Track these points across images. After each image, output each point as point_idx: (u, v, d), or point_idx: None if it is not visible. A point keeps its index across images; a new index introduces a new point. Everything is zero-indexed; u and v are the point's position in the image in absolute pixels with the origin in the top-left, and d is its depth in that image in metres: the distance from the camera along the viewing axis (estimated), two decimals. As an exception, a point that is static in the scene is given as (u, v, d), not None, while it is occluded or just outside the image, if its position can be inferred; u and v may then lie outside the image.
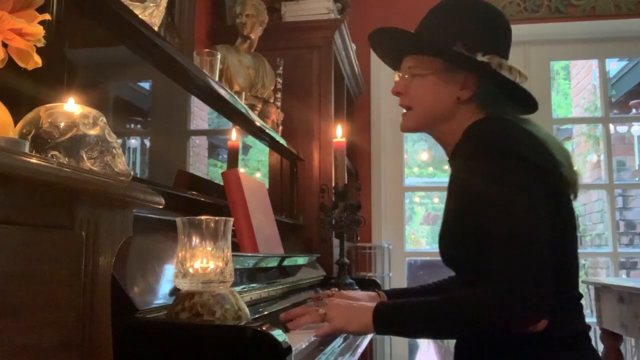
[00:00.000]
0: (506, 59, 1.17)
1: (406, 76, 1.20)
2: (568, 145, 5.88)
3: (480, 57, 1.12)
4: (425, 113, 1.19)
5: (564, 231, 1.06)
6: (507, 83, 1.13)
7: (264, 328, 0.77)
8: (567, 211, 1.09)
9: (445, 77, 1.16)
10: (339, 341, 1.25)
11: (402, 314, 1.06)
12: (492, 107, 1.16)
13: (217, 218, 0.90)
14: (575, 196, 1.12)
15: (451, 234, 1.12)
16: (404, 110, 1.22)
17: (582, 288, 4.92)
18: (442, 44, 1.14)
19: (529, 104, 1.18)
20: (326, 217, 1.86)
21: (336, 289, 1.43)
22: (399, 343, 3.10)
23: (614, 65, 4.68)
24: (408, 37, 1.20)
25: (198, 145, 1.69)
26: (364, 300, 1.34)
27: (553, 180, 1.06)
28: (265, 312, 1.29)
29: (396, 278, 3.12)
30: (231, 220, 0.93)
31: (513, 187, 1.00)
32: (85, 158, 0.68)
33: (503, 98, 1.16)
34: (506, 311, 0.96)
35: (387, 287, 2.94)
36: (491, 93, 1.15)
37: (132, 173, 0.75)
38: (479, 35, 1.15)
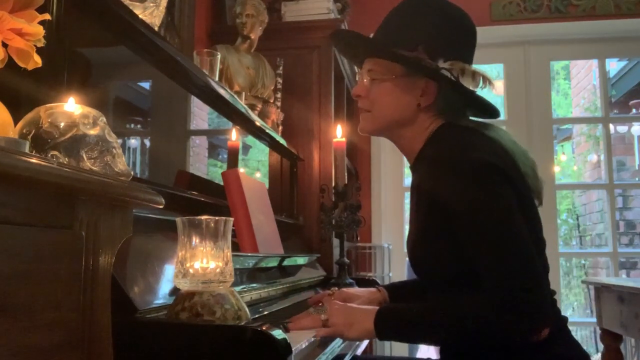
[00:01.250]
0: (470, 63, 1.15)
1: (365, 79, 1.18)
2: (568, 146, 5.89)
3: (441, 64, 1.11)
4: (384, 117, 1.17)
5: (534, 234, 1.06)
6: (462, 90, 1.12)
7: (264, 328, 0.77)
8: (534, 215, 1.09)
9: (405, 82, 1.14)
10: (339, 341, 1.25)
11: (405, 322, 1.04)
12: (452, 113, 1.15)
13: (217, 218, 0.90)
14: (540, 203, 1.12)
15: (424, 243, 1.11)
16: (363, 112, 1.21)
17: (582, 288, 4.92)
18: (401, 48, 1.12)
19: (489, 110, 1.16)
20: (326, 217, 1.86)
21: (336, 289, 1.42)
22: (399, 343, 3.10)
23: (614, 65, 4.68)
24: (364, 42, 1.19)
25: (198, 145, 1.69)
26: (364, 297, 1.34)
27: (519, 186, 1.05)
28: (265, 312, 1.29)
29: (396, 278, 3.12)
30: (231, 220, 0.93)
31: (490, 194, 0.99)
32: (85, 158, 0.68)
33: (463, 104, 1.15)
34: (510, 326, 0.96)
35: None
36: (452, 99, 1.14)
37: (132, 173, 0.75)
38: (441, 39, 1.13)
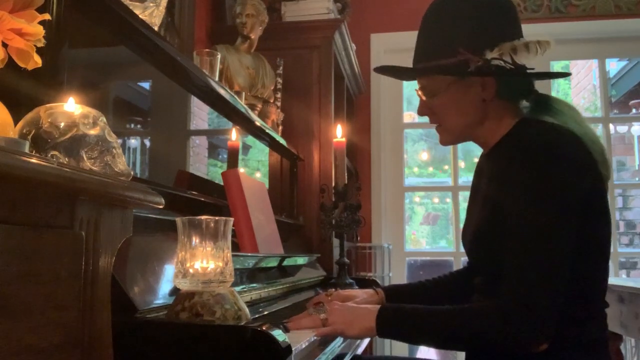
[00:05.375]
0: (519, 37, 1.11)
1: (426, 97, 1.17)
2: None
3: (489, 54, 1.08)
4: (457, 126, 1.16)
5: (600, 241, 1.05)
6: (520, 70, 1.09)
7: (264, 328, 0.77)
8: (605, 219, 1.06)
9: (461, 86, 1.12)
10: (338, 341, 1.25)
11: (407, 322, 1.05)
12: (521, 95, 1.14)
13: (217, 218, 0.90)
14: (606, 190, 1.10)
15: (479, 234, 1.12)
16: (437, 127, 1.21)
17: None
18: (443, 58, 1.10)
19: (555, 75, 1.16)
20: (326, 217, 1.86)
21: (333, 290, 1.41)
22: (399, 343, 3.10)
23: (614, 65, 4.67)
24: (407, 72, 1.21)
25: (198, 145, 1.69)
26: (361, 298, 1.33)
27: (598, 188, 1.04)
28: (265, 312, 1.29)
29: (396, 278, 3.12)
30: (231, 220, 0.93)
31: (546, 203, 0.98)
32: (85, 158, 0.68)
33: (528, 82, 1.14)
34: (510, 334, 0.96)
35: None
36: (514, 81, 1.12)
37: (132, 173, 0.75)
38: (478, 31, 1.10)
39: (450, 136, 1.19)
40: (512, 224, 1.00)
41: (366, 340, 1.68)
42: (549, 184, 0.99)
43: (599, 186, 1.05)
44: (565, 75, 1.23)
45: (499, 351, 1.02)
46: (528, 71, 1.11)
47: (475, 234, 1.14)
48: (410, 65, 1.19)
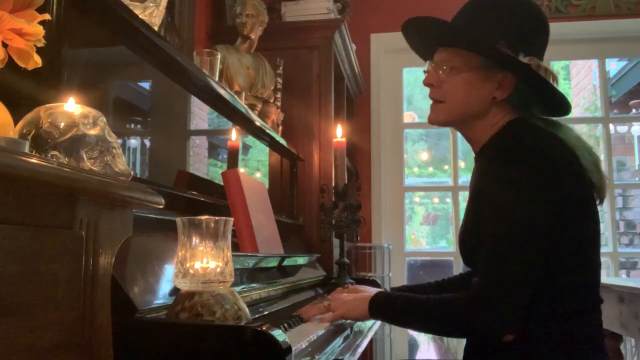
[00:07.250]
0: (542, 60, 1.13)
1: (442, 69, 1.15)
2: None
3: (522, 58, 1.09)
4: (458, 110, 1.15)
5: (587, 238, 1.07)
6: (545, 86, 1.10)
7: (264, 328, 0.77)
8: (593, 219, 1.08)
9: (483, 75, 1.12)
10: (339, 341, 1.25)
11: (392, 308, 1.16)
12: (523, 108, 1.15)
13: (217, 218, 0.90)
14: (602, 200, 1.11)
15: (468, 233, 1.15)
16: (432, 102, 1.19)
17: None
18: (486, 41, 1.09)
19: (561, 107, 1.15)
20: (326, 217, 1.86)
21: (353, 281, 1.55)
22: (399, 342, 3.10)
23: (614, 65, 4.67)
24: (451, 31, 1.15)
25: (198, 145, 1.69)
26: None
27: (582, 190, 1.06)
28: (265, 312, 1.29)
29: (396, 278, 3.12)
30: (231, 220, 0.93)
31: (520, 199, 1.01)
32: (85, 158, 0.68)
33: (535, 100, 1.15)
34: (473, 323, 1.02)
35: (386, 288, 2.94)
36: (526, 94, 1.13)
37: (132, 173, 0.75)
38: (522, 35, 1.11)
39: (446, 117, 1.17)
40: (486, 218, 1.04)
41: (366, 341, 1.68)
42: (525, 181, 1.01)
43: (582, 187, 1.06)
44: (567, 109, 1.20)
45: (465, 338, 1.12)
46: (552, 88, 1.12)
47: (464, 234, 1.17)
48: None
